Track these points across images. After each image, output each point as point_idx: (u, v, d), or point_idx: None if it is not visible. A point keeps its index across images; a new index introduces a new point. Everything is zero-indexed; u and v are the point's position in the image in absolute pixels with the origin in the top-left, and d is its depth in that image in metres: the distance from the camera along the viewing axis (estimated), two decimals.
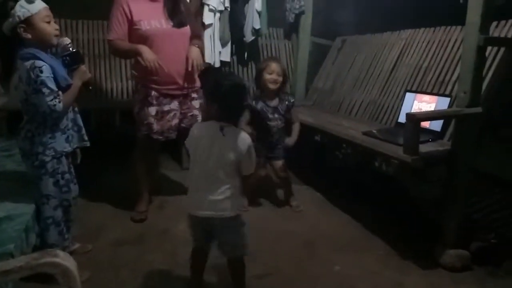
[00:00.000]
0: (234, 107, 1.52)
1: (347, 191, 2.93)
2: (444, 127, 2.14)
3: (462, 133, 1.92)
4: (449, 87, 2.31)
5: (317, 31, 3.80)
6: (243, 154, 1.49)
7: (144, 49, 2.17)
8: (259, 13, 3.47)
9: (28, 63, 1.52)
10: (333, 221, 2.51)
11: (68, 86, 1.64)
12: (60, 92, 1.58)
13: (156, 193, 2.69)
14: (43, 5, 1.58)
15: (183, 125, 2.42)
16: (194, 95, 2.44)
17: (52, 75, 1.55)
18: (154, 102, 2.30)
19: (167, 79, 2.28)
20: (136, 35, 2.24)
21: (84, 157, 1.92)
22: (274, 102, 2.55)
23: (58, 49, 1.69)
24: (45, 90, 1.53)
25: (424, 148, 1.90)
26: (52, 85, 1.55)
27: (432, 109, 2.25)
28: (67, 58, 1.67)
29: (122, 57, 3.02)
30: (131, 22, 2.23)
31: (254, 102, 2.52)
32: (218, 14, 3.33)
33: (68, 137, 1.71)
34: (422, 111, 2.27)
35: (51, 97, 1.54)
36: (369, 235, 2.32)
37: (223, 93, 1.48)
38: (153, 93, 2.30)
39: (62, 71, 1.61)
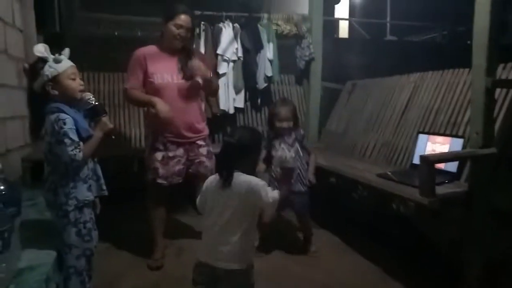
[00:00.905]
0: (244, 152, 1.49)
1: (364, 234, 2.87)
2: (460, 168, 2.13)
3: (477, 173, 1.91)
4: (462, 128, 2.32)
5: (327, 76, 3.92)
6: (256, 199, 1.44)
7: (157, 101, 2.28)
8: (270, 61, 3.62)
9: (53, 116, 1.63)
10: (351, 266, 2.45)
11: (90, 137, 1.72)
12: (81, 143, 1.67)
13: (172, 238, 2.69)
14: (69, 63, 1.71)
15: (190, 170, 2.49)
16: (201, 142, 2.51)
17: (74, 127, 1.64)
18: (161, 147, 2.40)
19: (175, 130, 2.38)
20: (149, 87, 2.38)
21: (102, 205, 1.96)
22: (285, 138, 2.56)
23: (82, 103, 1.80)
24: (67, 140, 1.61)
25: (440, 189, 1.89)
26: (74, 136, 1.63)
27: (446, 150, 2.25)
28: (90, 111, 1.78)
29: (136, 105, 3.13)
30: (146, 74, 2.37)
31: (267, 141, 2.54)
32: (232, 64, 3.50)
33: (90, 186, 1.77)
34: (436, 152, 2.27)
35: (72, 147, 1.62)
36: (389, 280, 2.25)
37: (232, 137, 1.49)
38: (160, 139, 2.39)
39: (83, 123, 1.71)
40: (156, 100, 2.29)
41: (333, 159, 3.04)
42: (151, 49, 2.41)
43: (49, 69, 1.65)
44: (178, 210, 3.19)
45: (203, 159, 2.50)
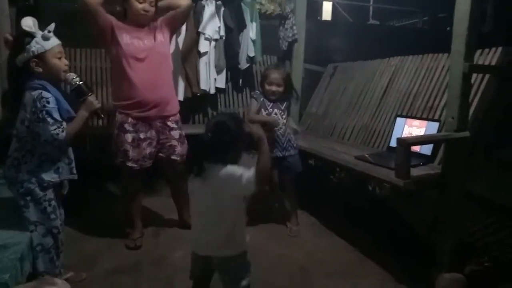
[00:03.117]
0: (218, 145, 1.45)
1: (342, 215, 2.94)
2: (434, 151, 2.19)
3: (451, 156, 1.97)
4: (438, 112, 2.37)
5: (309, 58, 3.91)
6: (231, 185, 1.42)
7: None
8: (253, 41, 3.57)
9: (35, 93, 1.58)
10: (328, 246, 2.51)
11: (70, 119, 1.68)
12: (64, 123, 1.63)
13: (147, 219, 2.68)
14: (57, 42, 1.66)
15: (161, 154, 2.42)
16: (173, 125, 2.42)
17: (57, 106, 1.60)
18: (131, 129, 2.30)
19: (143, 103, 2.29)
20: (116, 51, 2.26)
21: (79, 184, 1.93)
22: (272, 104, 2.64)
23: (66, 84, 1.76)
24: (49, 119, 1.58)
25: (415, 171, 1.94)
26: (57, 116, 1.61)
27: (422, 133, 2.30)
28: (74, 92, 1.73)
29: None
30: (112, 33, 2.25)
31: (258, 93, 2.67)
32: (213, 43, 3.43)
33: (58, 168, 1.73)
34: (412, 135, 2.32)
35: (55, 126, 1.59)
36: (365, 260, 2.32)
37: (206, 132, 1.46)
38: (130, 119, 2.30)
39: (65, 104, 1.67)
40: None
41: (313, 141, 3.06)
42: (117, 21, 2.30)
43: (36, 45, 1.59)
44: (151, 190, 3.16)
45: (175, 142, 2.42)
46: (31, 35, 1.60)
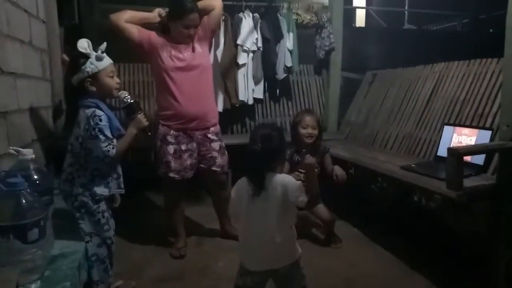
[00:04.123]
0: (269, 155, 1.47)
1: (384, 226, 2.85)
2: (487, 160, 2.09)
3: (507, 166, 1.87)
4: (489, 120, 2.27)
5: (345, 66, 3.87)
6: (279, 193, 1.43)
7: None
8: (290, 51, 3.59)
9: (89, 111, 1.66)
10: (372, 258, 2.44)
11: (120, 136, 1.75)
12: (114, 140, 1.70)
13: (190, 228, 2.72)
14: (109, 61, 1.73)
15: (202, 165, 2.45)
16: (213, 137, 2.45)
17: (108, 124, 1.67)
18: (173, 140, 2.35)
19: (185, 117, 2.34)
20: (157, 68, 2.33)
21: (123, 194, 1.98)
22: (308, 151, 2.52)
23: (118, 102, 1.83)
24: (101, 137, 1.65)
25: (468, 182, 1.86)
26: (108, 133, 1.67)
27: (473, 142, 2.21)
28: (125, 109, 1.81)
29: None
30: (153, 51, 2.32)
31: (289, 155, 2.47)
32: (251, 54, 3.47)
33: (108, 182, 1.79)
34: (462, 144, 2.23)
35: (106, 143, 1.66)
36: (412, 273, 2.23)
37: (254, 144, 1.47)
38: (172, 132, 2.35)
39: (116, 122, 1.73)
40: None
41: (353, 150, 3.02)
42: (159, 35, 2.36)
43: (90, 66, 1.67)
44: (193, 200, 3.21)
45: (215, 154, 2.45)
46: (86, 56, 1.67)
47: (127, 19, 2.31)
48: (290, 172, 2.41)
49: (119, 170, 1.86)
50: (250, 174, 1.48)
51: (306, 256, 2.41)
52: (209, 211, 2.86)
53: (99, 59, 1.68)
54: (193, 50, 2.40)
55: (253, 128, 1.57)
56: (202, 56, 2.43)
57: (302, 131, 2.51)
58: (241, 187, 1.53)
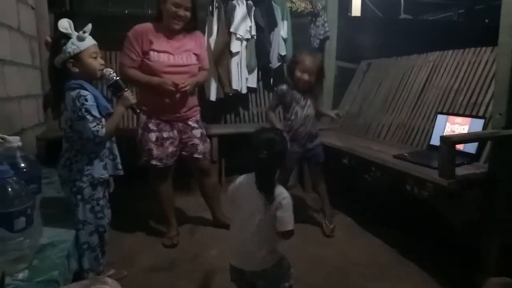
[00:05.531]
0: (274, 163, 1.47)
1: (377, 215, 2.87)
2: (479, 149, 2.10)
3: (499, 155, 1.87)
4: (482, 109, 2.27)
5: (340, 55, 3.84)
6: (279, 208, 1.44)
7: (162, 81, 2.23)
8: (284, 40, 3.55)
9: (73, 93, 1.62)
10: (365, 247, 2.45)
11: (109, 115, 1.72)
12: (103, 119, 1.67)
13: (182, 217, 2.72)
14: (92, 42, 1.69)
15: (184, 153, 2.45)
16: (194, 124, 2.45)
17: (95, 104, 1.64)
18: (154, 128, 2.34)
19: (169, 109, 2.33)
20: (143, 66, 2.28)
21: (116, 183, 1.97)
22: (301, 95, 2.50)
23: (103, 80, 1.79)
24: (89, 117, 1.62)
25: (460, 171, 1.86)
26: (96, 113, 1.64)
27: (466, 131, 2.21)
28: (111, 87, 1.77)
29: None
30: (141, 52, 2.27)
31: (284, 89, 2.48)
32: (245, 42, 3.43)
33: (105, 164, 1.77)
34: (455, 133, 2.23)
35: (95, 123, 1.63)
36: (404, 262, 2.25)
37: (251, 145, 1.47)
38: (154, 119, 2.34)
39: (103, 101, 1.70)
40: (161, 81, 2.23)
41: (347, 140, 3.01)
42: (148, 27, 2.29)
43: (72, 46, 1.63)
44: (187, 189, 3.19)
45: (197, 141, 2.44)
46: (68, 37, 1.63)
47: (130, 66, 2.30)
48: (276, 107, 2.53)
49: (115, 150, 1.84)
50: (261, 184, 1.46)
51: (298, 245, 2.45)
52: (201, 200, 2.85)
53: (80, 39, 1.63)
54: (184, 51, 2.34)
55: (254, 133, 1.54)
56: (190, 58, 2.36)
57: (298, 74, 2.40)
58: (242, 186, 1.53)
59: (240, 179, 1.57)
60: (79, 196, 1.72)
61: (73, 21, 1.68)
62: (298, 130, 2.52)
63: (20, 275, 1.17)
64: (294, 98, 2.49)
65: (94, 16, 3.54)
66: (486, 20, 6.45)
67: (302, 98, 2.50)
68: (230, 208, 1.58)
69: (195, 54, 2.38)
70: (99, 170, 1.74)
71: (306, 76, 2.40)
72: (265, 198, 1.44)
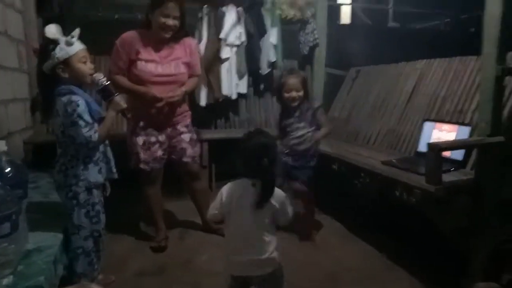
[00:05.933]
0: (259, 166, 1.46)
1: (367, 221, 2.88)
2: (466, 156, 2.13)
3: (485, 162, 1.91)
4: (468, 116, 2.31)
5: (329, 62, 3.88)
6: (277, 208, 1.49)
7: (150, 92, 2.23)
8: (274, 46, 3.58)
9: (65, 98, 1.61)
10: (355, 252, 2.47)
11: (101, 119, 1.71)
12: (95, 124, 1.67)
13: (172, 221, 2.71)
14: (81, 46, 1.68)
15: (173, 157, 2.46)
16: (183, 129, 2.44)
17: (87, 109, 1.63)
18: (142, 132, 2.34)
19: (155, 117, 2.32)
20: (130, 74, 2.28)
21: (110, 187, 1.95)
22: (298, 113, 2.49)
23: (92, 84, 1.78)
24: (81, 122, 1.61)
25: (447, 177, 1.89)
26: (88, 118, 1.63)
27: (453, 138, 2.24)
28: (101, 92, 1.76)
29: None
30: (129, 61, 2.26)
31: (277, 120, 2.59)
32: (235, 49, 3.45)
33: (100, 169, 1.76)
34: (442, 140, 2.27)
35: (87, 128, 1.62)
36: (393, 267, 2.27)
37: (245, 151, 1.49)
38: (141, 123, 2.34)
39: (95, 106, 1.70)
40: (149, 92, 2.23)
41: (336, 146, 3.03)
42: (136, 36, 2.27)
43: (60, 52, 1.62)
44: (176, 193, 3.17)
45: (185, 145, 2.44)
46: (56, 42, 1.62)
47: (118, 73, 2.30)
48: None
49: (109, 154, 1.84)
50: (265, 189, 1.47)
51: (288, 251, 2.44)
52: (191, 204, 2.83)
53: (69, 44, 1.62)
54: (172, 60, 2.33)
55: (244, 137, 1.55)
56: (178, 67, 2.36)
57: (286, 95, 2.45)
58: (234, 191, 1.53)
59: (233, 186, 1.55)
60: (74, 201, 1.71)
61: (62, 26, 1.67)
62: (296, 148, 2.50)
63: (5, 281, 1.15)
64: (287, 114, 2.51)
65: (84, 20, 3.54)
66: (472, 29, 6.59)
67: (296, 115, 2.49)
68: (222, 213, 1.57)
69: (184, 63, 2.37)
70: (94, 174, 1.74)
71: (294, 93, 2.45)
72: (257, 201, 1.45)
